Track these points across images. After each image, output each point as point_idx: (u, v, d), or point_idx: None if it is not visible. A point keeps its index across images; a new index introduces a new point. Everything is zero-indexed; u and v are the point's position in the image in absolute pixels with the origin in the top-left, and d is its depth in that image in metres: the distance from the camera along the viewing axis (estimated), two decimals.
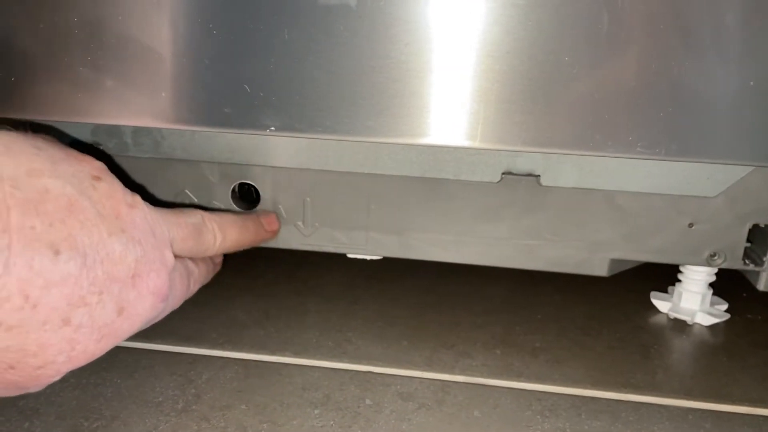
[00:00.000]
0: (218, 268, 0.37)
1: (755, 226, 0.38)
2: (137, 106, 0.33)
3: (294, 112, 0.31)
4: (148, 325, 0.29)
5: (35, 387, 0.26)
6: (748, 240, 0.39)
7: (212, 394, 0.35)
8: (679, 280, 0.45)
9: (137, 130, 0.40)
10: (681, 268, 0.45)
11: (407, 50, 0.30)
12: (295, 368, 0.38)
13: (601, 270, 0.41)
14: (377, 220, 0.41)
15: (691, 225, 0.39)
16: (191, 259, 0.33)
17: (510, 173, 0.39)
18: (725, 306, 0.47)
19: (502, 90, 0.30)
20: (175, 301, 0.31)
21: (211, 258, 0.35)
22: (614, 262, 0.41)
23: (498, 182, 0.39)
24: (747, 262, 0.39)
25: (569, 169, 0.38)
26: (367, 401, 0.35)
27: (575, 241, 0.40)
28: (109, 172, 0.28)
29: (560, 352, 0.41)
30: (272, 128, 0.31)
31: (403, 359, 0.40)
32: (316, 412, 0.34)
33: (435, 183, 0.39)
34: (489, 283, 0.51)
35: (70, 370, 0.26)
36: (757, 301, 0.48)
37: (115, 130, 0.40)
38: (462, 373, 0.39)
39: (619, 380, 0.38)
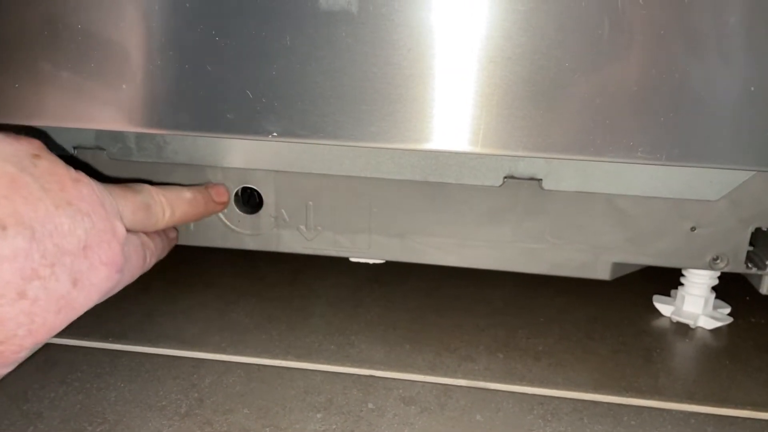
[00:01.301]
0: (173, 243, 0.38)
1: (758, 230, 0.38)
2: (140, 112, 0.33)
3: (296, 117, 0.31)
4: (104, 298, 0.29)
5: (2, 365, 0.26)
6: (751, 243, 0.39)
7: (215, 398, 0.36)
8: (682, 284, 0.45)
9: (141, 135, 0.40)
10: (683, 272, 0.45)
11: (409, 56, 0.30)
12: (298, 372, 0.38)
13: (603, 273, 0.41)
14: (379, 223, 0.41)
15: (693, 229, 0.39)
16: (145, 233, 0.33)
17: (512, 177, 0.39)
18: (728, 309, 0.46)
19: (503, 95, 0.30)
20: (132, 273, 0.31)
21: (165, 233, 0.36)
22: (617, 265, 0.41)
23: (500, 186, 0.39)
24: (749, 265, 0.39)
25: (571, 173, 0.38)
26: (370, 405, 0.35)
27: (578, 244, 0.40)
28: (48, 151, 0.28)
29: (563, 356, 0.41)
30: (275, 134, 0.31)
31: (405, 363, 0.40)
32: (319, 416, 0.34)
33: (437, 187, 0.39)
34: (492, 286, 0.51)
35: (33, 345, 0.26)
36: (760, 305, 0.48)
37: (118, 135, 0.40)
38: (464, 376, 0.39)
39: (622, 384, 0.38)
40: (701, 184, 0.38)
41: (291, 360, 0.40)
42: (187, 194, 0.36)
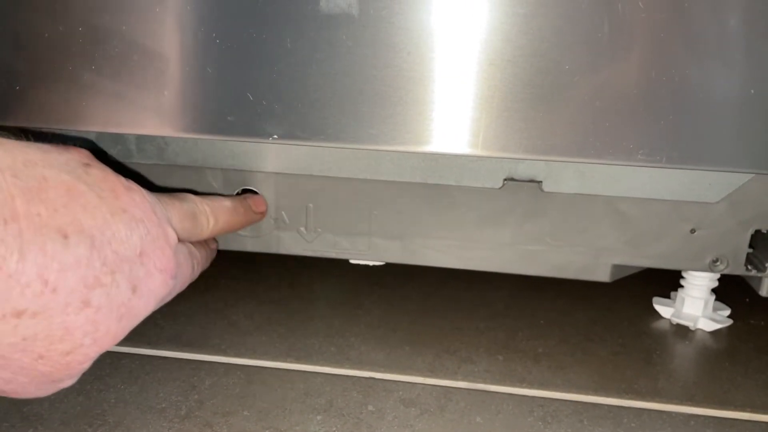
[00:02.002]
0: (214, 254, 0.38)
1: (757, 232, 0.38)
2: (141, 114, 0.33)
3: (297, 120, 0.31)
4: (160, 305, 0.29)
5: (68, 377, 0.26)
6: (750, 246, 0.39)
7: (215, 401, 0.36)
8: (682, 286, 0.45)
9: (141, 137, 0.40)
10: (683, 274, 0.45)
11: (409, 59, 0.30)
12: (298, 374, 0.38)
13: (603, 276, 0.41)
14: (380, 225, 0.41)
15: (693, 231, 0.39)
16: (191, 242, 0.33)
17: (512, 179, 0.39)
18: (728, 311, 0.47)
19: (503, 98, 0.30)
20: (183, 281, 0.31)
21: (207, 243, 0.36)
22: (616, 267, 0.41)
23: (500, 188, 0.39)
24: (749, 267, 0.39)
25: (571, 176, 0.38)
26: (370, 407, 0.35)
27: (577, 246, 0.40)
28: (97, 160, 0.28)
29: (563, 358, 0.41)
30: (275, 136, 0.31)
31: (405, 365, 0.40)
32: (319, 418, 0.34)
33: (437, 189, 0.39)
34: (491, 288, 0.51)
35: (97, 354, 0.26)
36: (760, 307, 0.48)
37: (119, 137, 0.40)
38: (464, 378, 0.39)
39: (622, 386, 0.38)
40: (701, 187, 0.38)
41: (291, 362, 0.40)
42: (228, 204, 0.36)
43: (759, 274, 0.39)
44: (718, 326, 0.45)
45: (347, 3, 0.29)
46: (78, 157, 0.27)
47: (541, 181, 0.39)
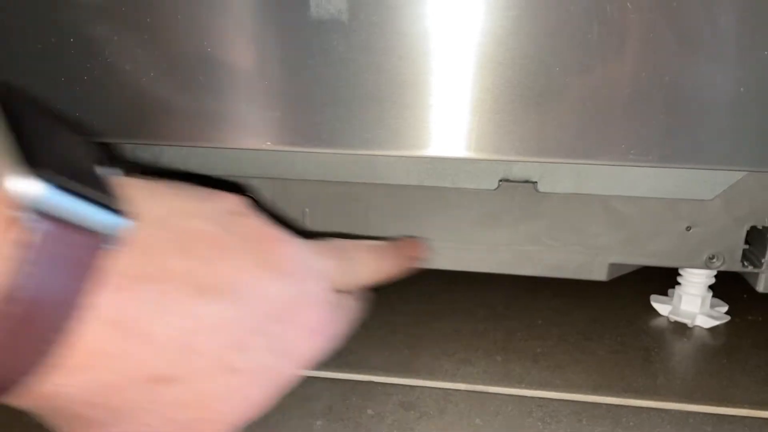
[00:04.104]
0: (364, 303, 0.34)
1: (753, 228, 0.38)
2: (133, 124, 0.33)
3: (290, 126, 0.31)
4: (308, 367, 0.26)
5: None
6: (746, 242, 0.39)
7: None
8: (679, 283, 0.45)
9: (136, 146, 0.40)
10: (680, 271, 0.45)
11: (401, 63, 0.30)
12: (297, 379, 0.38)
13: (600, 275, 0.41)
14: (376, 229, 0.41)
15: (688, 228, 0.39)
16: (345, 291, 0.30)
17: (507, 180, 0.39)
18: (725, 308, 0.47)
19: (495, 100, 0.31)
20: (335, 340, 0.28)
21: (357, 292, 0.33)
22: (613, 266, 0.41)
23: (495, 189, 0.39)
24: (745, 264, 0.39)
25: (566, 175, 0.38)
26: (369, 411, 0.36)
27: (574, 246, 0.40)
28: (250, 208, 0.26)
29: (561, 358, 0.41)
30: (269, 143, 0.32)
31: (404, 368, 0.40)
32: (319, 423, 0.34)
33: (433, 191, 0.39)
34: (489, 289, 0.51)
35: (243, 423, 0.24)
36: (757, 303, 0.48)
37: (114, 147, 0.40)
38: (463, 380, 0.39)
39: (621, 385, 0.38)
40: (695, 184, 0.38)
41: None
42: (382, 249, 0.33)
43: (755, 270, 0.39)
44: (715, 323, 0.45)
45: (337, 9, 0.29)
46: (228, 205, 0.25)
47: (536, 182, 0.39)
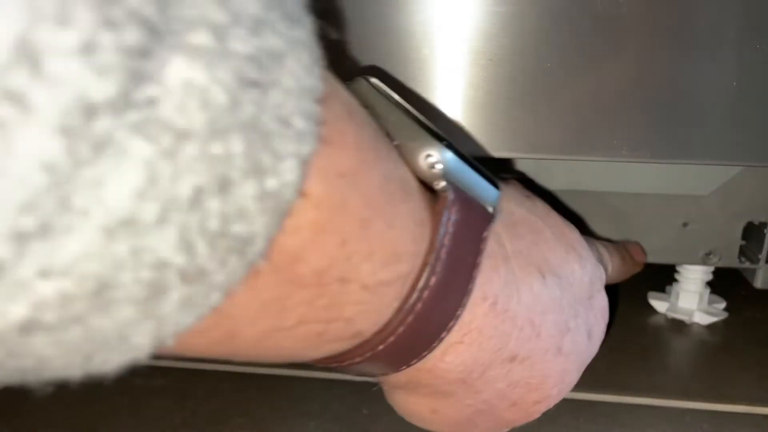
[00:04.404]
0: None
1: (750, 224, 0.38)
2: None
3: None
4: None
5: (519, 423, 0.25)
6: (743, 238, 0.39)
7: (209, 408, 0.35)
8: (676, 280, 0.45)
9: None
10: (677, 268, 0.45)
11: (390, 60, 0.30)
12: (293, 380, 0.38)
13: None
14: None
15: (685, 224, 0.39)
16: None
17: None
18: (723, 304, 0.46)
19: (485, 97, 0.30)
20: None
21: None
22: None
23: None
24: (743, 259, 0.39)
25: (560, 172, 0.38)
26: (364, 411, 0.35)
27: None
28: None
29: None
30: None
31: None
32: (313, 423, 0.34)
33: None
34: None
35: (554, 404, 0.25)
36: (756, 299, 0.48)
37: None
38: None
39: (618, 383, 0.38)
40: (691, 180, 0.38)
41: (285, 368, 0.40)
42: (617, 252, 0.33)
43: (753, 266, 0.39)
44: (713, 319, 0.45)
45: (322, 6, 0.29)
46: (520, 188, 0.25)
47: (531, 179, 0.38)
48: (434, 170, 0.19)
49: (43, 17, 0.08)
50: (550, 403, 0.24)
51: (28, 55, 0.08)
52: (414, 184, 0.19)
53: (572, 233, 0.25)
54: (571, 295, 0.23)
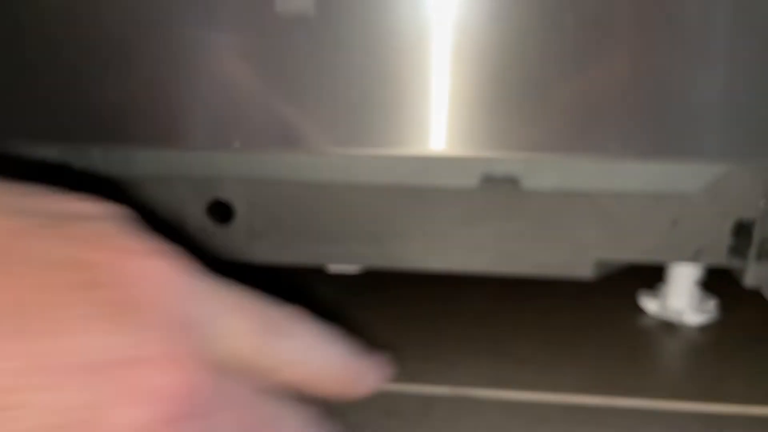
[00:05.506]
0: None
1: (738, 222, 0.38)
2: (101, 127, 0.32)
3: (257, 126, 0.30)
4: None
5: None
6: (732, 236, 0.38)
7: None
8: (666, 280, 0.45)
9: (107, 149, 0.39)
10: (667, 267, 0.45)
11: (373, 60, 0.29)
12: None
13: (586, 272, 0.40)
14: (356, 230, 0.40)
15: (674, 223, 0.38)
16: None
17: (489, 178, 0.38)
18: (713, 303, 0.46)
19: (474, 96, 0.30)
20: None
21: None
22: (599, 263, 0.40)
23: (477, 187, 0.38)
24: (732, 258, 0.39)
25: (549, 172, 0.38)
26: (350, 420, 0.35)
27: (559, 244, 0.39)
28: (125, 218, 0.17)
29: (548, 360, 0.41)
30: (236, 144, 0.31)
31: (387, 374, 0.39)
32: None
33: (413, 190, 0.39)
34: (474, 290, 0.50)
35: None
36: (747, 298, 0.48)
37: (83, 150, 0.39)
38: (447, 384, 0.38)
39: (608, 385, 0.38)
40: (680, 178, 0.37)
41: None
42: (336, 350, 0.22)
43: (742, 264, 0.39)
44: (704, 319, 0.44)
45: (304, 6, 0.28)
46: (75, 207, 0.17)
47: (519, 179, 0.38)
48: None
49: None
50: None
51: None
52: None
53: (147, 282, 0.15)
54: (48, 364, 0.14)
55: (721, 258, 0.39)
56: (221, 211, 0.41)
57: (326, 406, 0.22)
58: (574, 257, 0.40)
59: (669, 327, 0.44)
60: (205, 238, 0.40)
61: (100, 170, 0.39)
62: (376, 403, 0.36)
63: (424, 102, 0.30)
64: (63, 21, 0.30)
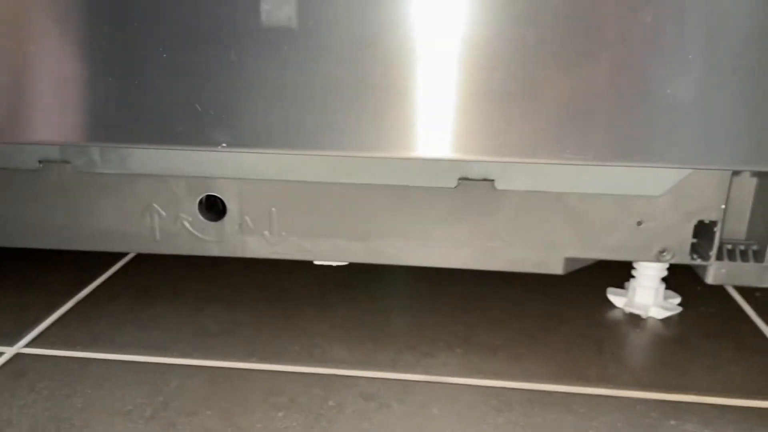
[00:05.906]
0: None
1: (700, 223, 0.40)
2: (96, 127, 0.34)
3: (244, 128, 0.32)
4: None
5: None
6: (695, 236, 0.40)
7: (179, 401, 0.37)
8: (633, 276, 0.47)
9: (105, 148, 0.41)
10: (634, 264, 0.47)
11: (356, 67, 0.31)
12: (262, 373, 0.40)
13: (557, 268, 0.42)
14: (342, 227, 0.42)
15: (639, 223, 0.40)
16: None
17: (466, 179, 0.40)
18: (678, 299, 0.48)
19: (453, 102, 0.32)
20: None
21: None
22: (569, 260, 0.42)
23: (455, 187, 0.40)
24: (694, 257, 0.41)
25: (522, 174, 0.40)
26: (330, 402, 0.37)
27: (531, 241, 0.41)
28: None
29: (519, 349, 0.43)
30: (224, 144, 0.33)
31: (366, 361, 0.41)
32: (280, 414, 0.36)
33: (396, 190, 0.41)
34: (452, 284, 0.52)
35: None
36: (709, 295, 0.50)
37: (83, 149, 0.41)
38: (423, 372, 0.40)
39: (574, 373, 0.40)
40: (645, 181, 0.39)
41: (255, 362, 0.41)
42: None
43: (704, 263, 0.41)
44: (668, 314, 0.47)
45: (288, 16, 0.30)
46: None
47: (494, 180, 0.40)
48: None
49: None
50: None
51: None
52: None
53: None
54: None
55: (684, 257, 0.41)
56: (213, 207, 0.43)
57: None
58: (546, 254, 0.42)
59: (635, 320, 0.47)
60: (198, 234, 0.42)
61: (98, 167, 0.41)
62: (356, 388, 0.38)
63: (406, 108, 0.32)
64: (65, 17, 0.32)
